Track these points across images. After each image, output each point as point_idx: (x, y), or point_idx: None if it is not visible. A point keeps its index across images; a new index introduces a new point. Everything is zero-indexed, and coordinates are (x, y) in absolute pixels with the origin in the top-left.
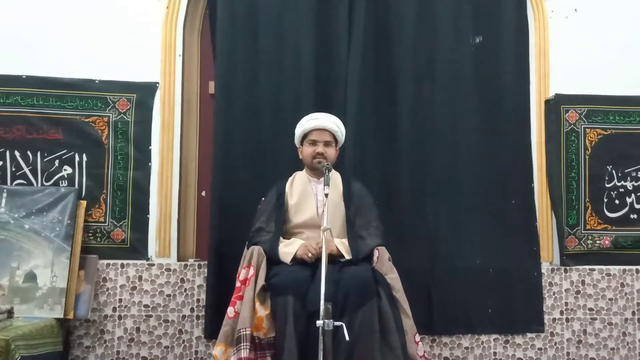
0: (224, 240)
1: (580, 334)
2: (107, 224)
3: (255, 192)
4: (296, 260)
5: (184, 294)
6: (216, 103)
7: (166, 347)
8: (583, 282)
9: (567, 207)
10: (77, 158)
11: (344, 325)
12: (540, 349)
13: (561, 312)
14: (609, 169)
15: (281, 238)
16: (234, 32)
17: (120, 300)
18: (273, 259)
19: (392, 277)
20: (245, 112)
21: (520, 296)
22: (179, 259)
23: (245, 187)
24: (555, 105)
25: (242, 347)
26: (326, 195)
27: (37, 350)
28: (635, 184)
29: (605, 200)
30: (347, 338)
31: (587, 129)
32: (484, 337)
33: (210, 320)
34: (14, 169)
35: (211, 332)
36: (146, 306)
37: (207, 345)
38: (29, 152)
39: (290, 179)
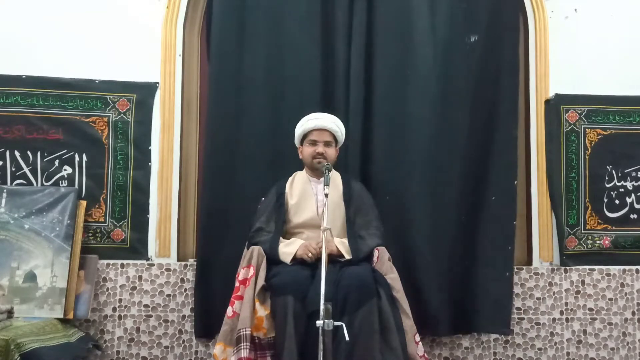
0: (213, 242)
1: (580, 334)
2: (107, 224)
3: (254, 192)
4: (296, 260)
5: (184, 294)
6: (210, 103)
7: (166, 347)
8: (583, 282)
9: (567, 207)
10: (77, 158)
11: (344, 325)
12: (540, 349)
13: (561, 312)
14: (609, 169)
15: (281, 238)
16: (230, 32)
17: (120, 300)
18: (273, 259)
19: (392, 277)
20: (244, 112)
21: (491, 296)
22: (179, 259)
23: (244, 188)
24: (555, 105)
25: (242, 347)
26: (326, 195)
27: (46, 343)
28: (635, 184)
29: (605, 200)
30: (347, 338)
31: (587, 129)
32: (484, 337)
33: (198, 320)
34: (14, 169)
35: (200, 331)
36: (146, 306)
37: (207, 345)
38: (29, 152)
39: (290, 179)
